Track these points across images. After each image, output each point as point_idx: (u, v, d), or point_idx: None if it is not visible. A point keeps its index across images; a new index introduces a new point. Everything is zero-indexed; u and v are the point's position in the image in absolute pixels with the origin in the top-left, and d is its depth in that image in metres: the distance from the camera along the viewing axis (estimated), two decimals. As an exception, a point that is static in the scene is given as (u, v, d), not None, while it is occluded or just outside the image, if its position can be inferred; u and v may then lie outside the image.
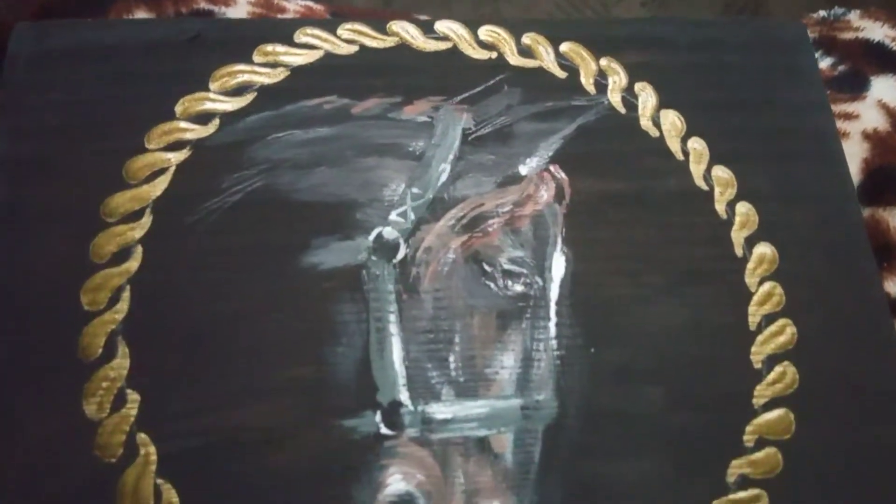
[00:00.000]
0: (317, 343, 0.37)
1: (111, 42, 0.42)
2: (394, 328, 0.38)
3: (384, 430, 0.36)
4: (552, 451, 0.36)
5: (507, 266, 0.39)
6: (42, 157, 0.39)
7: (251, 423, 0.35)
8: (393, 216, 0.40)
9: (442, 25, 0.45)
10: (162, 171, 0.40)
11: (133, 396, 0.35)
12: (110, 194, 0.39)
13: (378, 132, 0.42)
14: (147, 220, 0.39)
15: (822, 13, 0.69)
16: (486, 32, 0.45)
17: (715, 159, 0.43)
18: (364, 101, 0.42)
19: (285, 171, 0.40)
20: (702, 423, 0.37)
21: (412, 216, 0.40)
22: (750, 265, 0.41)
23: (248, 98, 0.42)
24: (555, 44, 0.45)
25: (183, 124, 0.41)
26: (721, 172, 0.43)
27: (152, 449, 0.35)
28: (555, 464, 0.36)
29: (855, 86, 0.66)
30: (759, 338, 0.39)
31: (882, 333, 0.39)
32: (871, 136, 0.64)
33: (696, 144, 0.43)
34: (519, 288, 0.39)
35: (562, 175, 0.42)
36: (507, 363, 0.38)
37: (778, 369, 0.39)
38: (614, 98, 0.44)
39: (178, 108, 0.41)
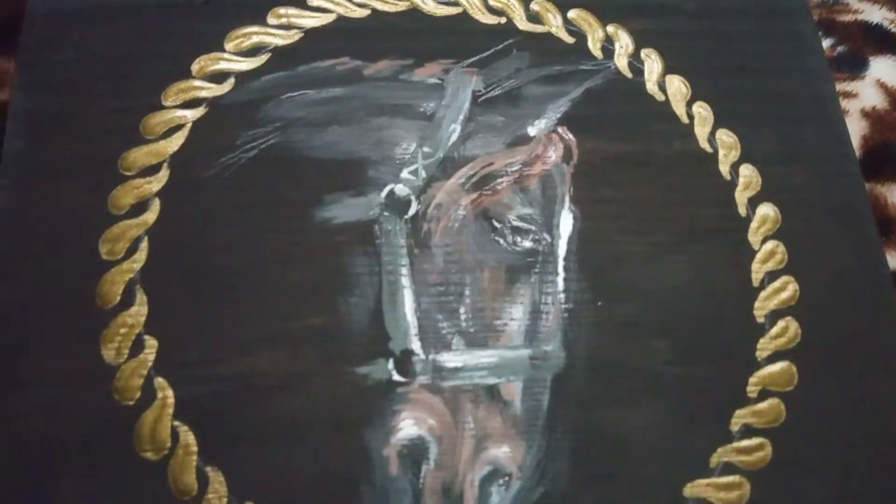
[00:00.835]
0: (330, 294, 0.38)
1: (128, 2, 0.43)
2: (405, 281, 0.38)
3: (396, 378, 0.37)
4: (560, 399, 0.37)
5: (515, 223, 0.40)
6: (60, 113, 0.40)
7: (266, 369, 0.36)
8: (404, 174, 0.41)
9: (452, -9, 0.46)
10: (178, 127, 0.41)
11: (151, 342, 0.36)
12: (128, 149, 0.40)
13: (389, 93, 0.42)
14: (164, 174, 0.39)
15: (823, -3, 0.70)
16: (495, -2, 0.46)
17: (719, 123, 0.44)
18: (376, 63, 0.43)
19: (299, 129, 0.41)
20: (706, 374, 0.38)
21: (423, 174, 0.41)
22: (753, 224, 0.41)
23: (262, 59, 0.43)
24: (563, 10, 0.46)
25: (199, 83, 0.42)
26: (725, 136, 0.44)
27: (170, 393, 0.35)
28: (562, 412, 0.37)
29: (854, 66, 0.67)
30: (762, 294, 0.40)
31: (881, 290, 0.40)
32: (869, 114, 0.65)
33: (701, 109, 0.44)
34: (527, 244, 0.40)
35: (569, 136, 0.42)
36: (515, 315, 0.39)
37: (780, 324, 0.39)
38: (621, 63, 0.45)
39: (195, 67, 0.42)
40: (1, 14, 0.66)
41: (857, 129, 0.60)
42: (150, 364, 0.36)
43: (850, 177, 0.43)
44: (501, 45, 0.44)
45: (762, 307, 0.40)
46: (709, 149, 0.43)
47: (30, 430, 0.34)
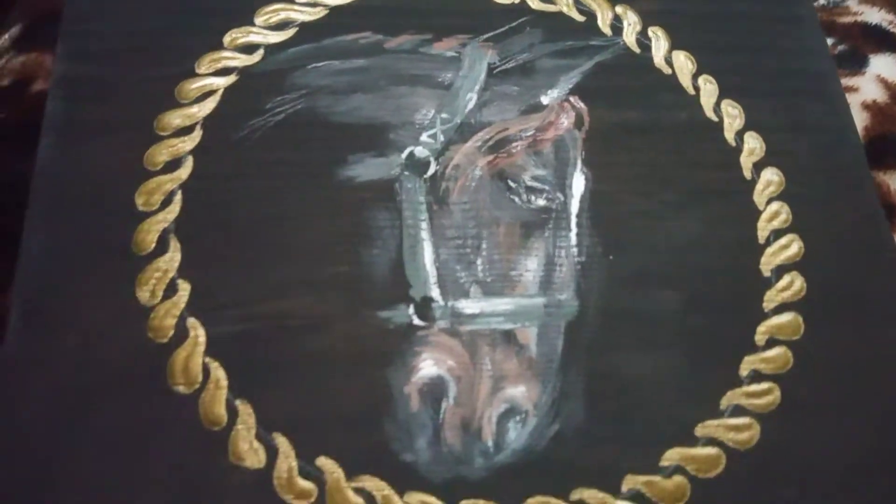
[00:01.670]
0: (353, 245, 0.40)
1: (164, -22, 0.46)
2: (425, 234, 0.40)
3: (416, 322, 0.38)
4: (574, 344, 0.38)
5: (530, 182, 0.42)
6: (100, 79, 0.43)
7: (293, 311, 0.38)
8: (424, 137, 0.43)
9: (469, -28, 0.48)
10: (211, 93, 0.43)
11: (184, 286, 0.38)
12: (163, 112, 0.42)
13: (410, 64, 0.45)
14: (197, 135, 0.42)
15: (822, 1, 0.73)
16: (510, -21, 0.48)
17: (724, 95, 0.46)
18: (397, 37, 0.46)
19: (324, 95, 0.43)
20: (715, 323, 0.40)
21: (441, 138, 0.43)
22: (758, 187, 0.43)
23: (289, 32, 0.45)
24: (573, -9, 0.48)
25: (230, 53, 0.44)
26: (730, 107, 0.46)
27: (201, 331, 0.37)
28: (576, 355, 0.38)
29: (854, 63, 0.70)
30: (769, 250, 0.42)
31: (883, 246, 0.42)
32: (870, 107, 0.67)
33: (706, 82, 0.46)
34: (541, 202, 0.42)
35: (581, 105, 0.45)
36: (530, 267, 0.40)
37: (786, 278, 0.41)
38: (629, 39, 0.47)
39: (226, 39, 0.45)
40: (37, 15, 0.69)
41: (858, 121, 0.62)
42: (182, 305, 0.37)
43: (850, 145, 0.45)
44: (515, 23, 0.47)
45: (768, 262, 0.41)
46: (714, 118, 0.45)
47: (69, 364, 0.36)
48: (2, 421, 0.35)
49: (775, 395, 0.38)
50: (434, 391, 0.37)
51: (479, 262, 0.40)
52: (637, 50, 0.47)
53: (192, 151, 0.41)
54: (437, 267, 0.40)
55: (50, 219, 0.39)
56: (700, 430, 0.37)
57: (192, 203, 0.40)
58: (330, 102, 0.43)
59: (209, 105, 0.43)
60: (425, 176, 0.42)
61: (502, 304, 0.39)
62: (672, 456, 0.36)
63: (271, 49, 0.45)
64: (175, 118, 0.42)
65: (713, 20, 0.49)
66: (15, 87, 0.65)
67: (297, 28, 0.45)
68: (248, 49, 0.45)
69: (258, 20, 0.45)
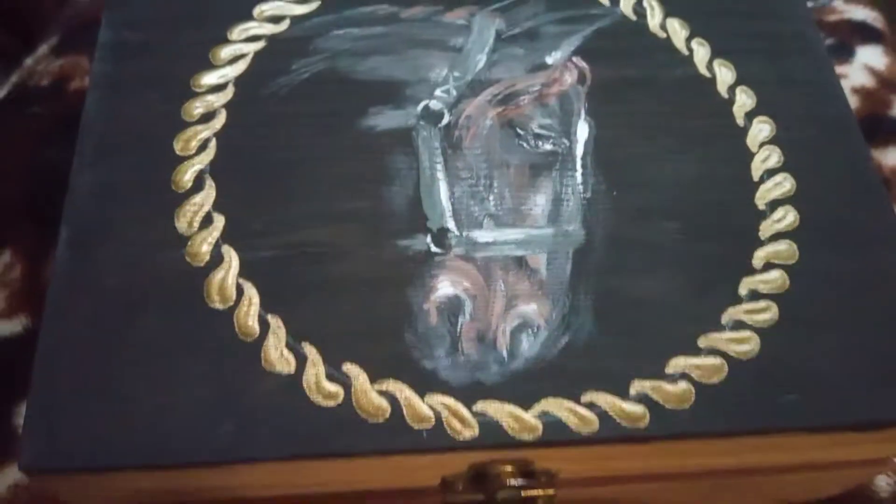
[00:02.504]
0: (374, 183, 0.43)
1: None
2: (440, 174, 0.43)
3: (434, 249, 0.41)
4: (581, 268, 0.41)
5: (537, 130, 0.45)
6: (142, 43, 0.47)
7: (318, 240, 0.41)
8: (438, 92, 0.46)
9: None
10: (242, 56, 0.47)
11: (219, 218, 0.41)
12: (199, 72, 0.46)
13: (423, 31, 0.49)
14: (230, 91, 0.45)
15: (810, 3, 0.77)
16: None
17: (716, 55, 0.49)
18: (411, 8, 0.50)
19: (345, 57, 0.47)
20: (714, 249, 0.42)
21: (454, 92, 0.46)
22: (751, 132, 0.46)
23: (313, 5, 0.49)
24: (573, -33, 0.52)
25: (259, 23, 0.48)
26: (722, 65, 0.49)
27: (235, 257, 0.40)
28: (584, 278, 0.41)
29: (843, 54, 0.74)
30: (763, 186, 0.44)
31: (871, 184, 0.45)
32: (859, 91, 0.71)
33: (699, 44, 0.50)
34: (548, 147, 0.45)
35: (583, 64, 0.48)
36: (539, 202, 0.43)
37: (780, 211, 0.44)
38: (626, 9, 0.51)
39: (256, 11, 0.49)
40: (73, 26, 0.74)
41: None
42: (217, 234, 0.41)
43: (835, 96, 0.48)
44: (521, -6, 0.51)
45: (763, 197, 0.44)
46: (707, 74, 0.49)
47: (114, 283, 0.39)
48: (54, 334, 0.37)
49: (774, 312, 0.40)
50: (451, 308, 0.39)
51: (491, 198, 0.43)
52: (633, 17, 0.51)
53: (226, 105, 0.45)
54: (453, 203, 0.43)
55: (95, 161, 0.42)
56: (703, 342, 0.39)
57: (226, 149, 0.43)
58: (351, 63, 0.47)
59: (240, 66, 0.47)
60: (440, 125, 0.45)
61: (514, 233, 0.42)
62: (677, 363, 0.38)
63: (297, 19, 0.49)
64: (210, 77, 0.46)
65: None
66: (53, 86, 0.69)
67: (320, 1, 0.50)
68: (276, 19, 0.49)
69: (285, -6, 0.50)
